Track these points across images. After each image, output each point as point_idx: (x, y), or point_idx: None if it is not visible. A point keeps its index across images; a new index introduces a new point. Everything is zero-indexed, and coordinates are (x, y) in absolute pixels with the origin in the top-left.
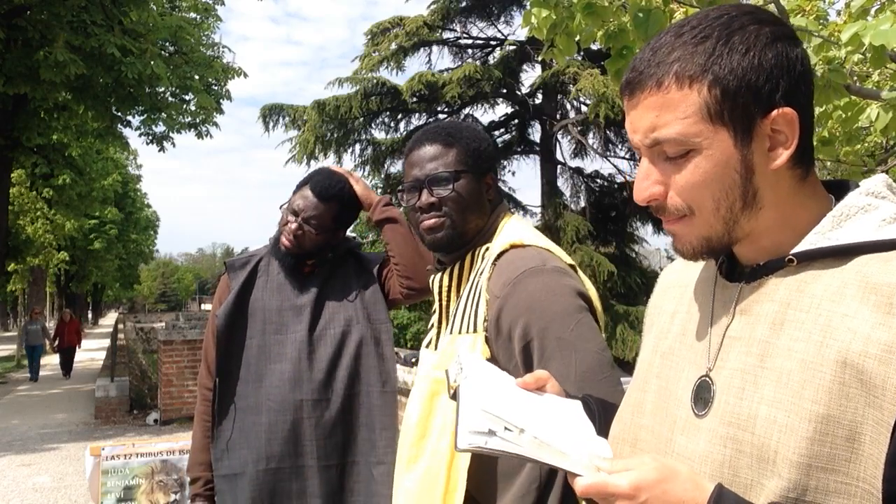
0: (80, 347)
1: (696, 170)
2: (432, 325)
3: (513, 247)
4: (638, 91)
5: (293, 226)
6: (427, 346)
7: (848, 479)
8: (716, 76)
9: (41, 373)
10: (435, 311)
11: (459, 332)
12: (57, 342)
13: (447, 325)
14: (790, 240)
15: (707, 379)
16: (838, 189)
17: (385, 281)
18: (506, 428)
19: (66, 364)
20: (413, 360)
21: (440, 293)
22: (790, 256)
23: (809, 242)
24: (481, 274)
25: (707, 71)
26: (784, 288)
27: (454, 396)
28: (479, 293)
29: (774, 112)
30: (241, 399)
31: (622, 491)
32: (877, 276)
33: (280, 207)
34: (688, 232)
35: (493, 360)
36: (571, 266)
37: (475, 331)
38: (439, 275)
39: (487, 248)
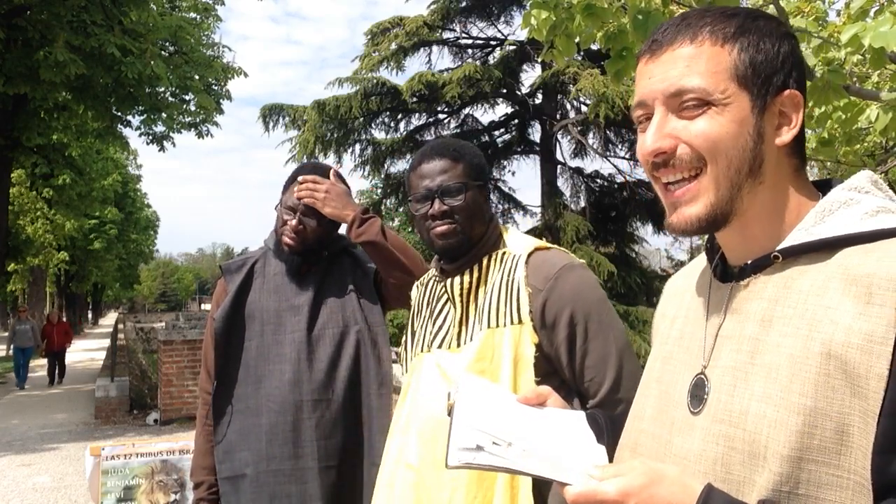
0: (69, 348)
1: (714, 122)
2: (444, 326)
3: (537, 249)
4: (667, 45)
5: (293, 222)
6: (440, 347)
7: (839, 472)
8: (744, 45)
9: (33, 374)
10: (446, 313)
11: (498, 326)
12: (44, 345)
13: (469, 323)
14: (777, 233)
15: (702, 377)
16: (825, 188)
17: (383, 283)
18: (493, 442)
19: (55, 370)
20: None
21: (461, 294)
22: (775, 253)
23: (793, 238)
24: (513, 272)
25: (737, 38)
26: (772, 285)
27: (450, 414)
28: (519, 288)
29: (786, 92)
30: (241, 401)
31: (610, 497)
32: (857, 267)
33: (275, 208)
34: (694, 198)
35: (539, 346)
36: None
37: (520, 322)
38: (457, 278)
39: (504, 253)
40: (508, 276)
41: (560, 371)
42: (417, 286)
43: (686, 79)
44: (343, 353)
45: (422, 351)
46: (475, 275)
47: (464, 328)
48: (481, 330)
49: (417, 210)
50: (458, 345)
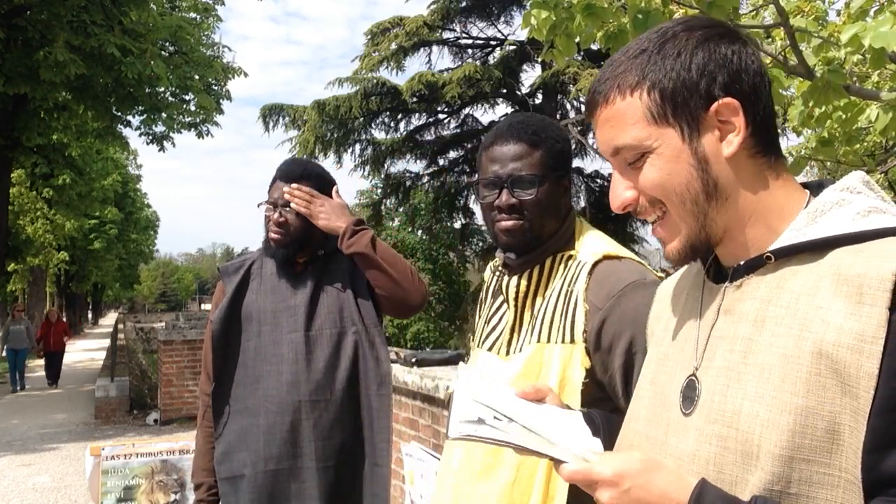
0: (67, 347)
1: (653, 168)
2: (498, 327)
3: (606, 258)
4: (594, 109)
5: (275, 216)
6: (490, 350)
7: (830, 470)
8: (652, 81)
9: (32, 374)
10: (502, 313)
11: (548, 341)
12: (41, 345)
13: (521, 331)
14: (766, 235)
15: (693, 378)
16: (817, 188)
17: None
18: (495, 417)
19: (52, 370)
20: (413, 360)
21: (516, 298)
22: (767, 254)
23: (785, 239)
24: (574, 283)
25: (644, 78)
26: (765, 286)
27: (449, 401)
28: (576, 303)
29: (716, 104)
30: (240, 401)
31: (605, 477)
32: (848, 267)
33: (258, 206)
34: (670, 234)
35: (591, 370)
36: (660, 278)
37: (573, 341)
38: (514, 278)
39: (570, 256)
40: (569, 286)
41: (615, 400)
42: (490, 268)
43: (614, 140)
44: (341, 355)
45: (478, 346)
46: (534, 278)
47: (515, 335)
48: (530, 343)
49: (484, 197)
50: (508, 353)
